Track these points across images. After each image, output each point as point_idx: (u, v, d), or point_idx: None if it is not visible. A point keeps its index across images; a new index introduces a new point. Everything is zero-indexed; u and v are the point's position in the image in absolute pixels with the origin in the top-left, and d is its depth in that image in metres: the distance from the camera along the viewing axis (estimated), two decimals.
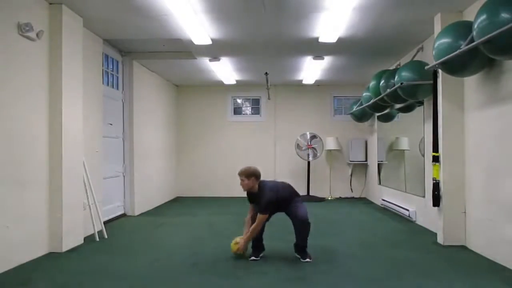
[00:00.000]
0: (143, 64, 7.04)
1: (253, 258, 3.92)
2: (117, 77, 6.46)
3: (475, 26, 3.31)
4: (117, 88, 6.45)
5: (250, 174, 3.96)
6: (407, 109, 6.24)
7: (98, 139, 5.40)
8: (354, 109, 8.12)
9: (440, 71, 4.43)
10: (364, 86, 7.62)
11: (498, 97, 3.79)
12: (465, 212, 4.42)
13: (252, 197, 4.08)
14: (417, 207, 5.89)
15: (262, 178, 4.06)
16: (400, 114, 6.85)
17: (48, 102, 4.20)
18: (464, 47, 3.53)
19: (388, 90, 5.55)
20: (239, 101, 9.70)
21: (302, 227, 3.88)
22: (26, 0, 3.89)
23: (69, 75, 4.37)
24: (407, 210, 6.08)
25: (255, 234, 3.92)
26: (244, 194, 4.16)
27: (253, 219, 3.98)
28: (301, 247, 3.94)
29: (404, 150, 6.95)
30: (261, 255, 3.99)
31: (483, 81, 4.03)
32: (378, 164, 8.05)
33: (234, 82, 8.73)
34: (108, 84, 6.11)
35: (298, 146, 8.79)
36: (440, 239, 4.57)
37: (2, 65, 3.57)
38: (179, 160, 9.38)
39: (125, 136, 6.58)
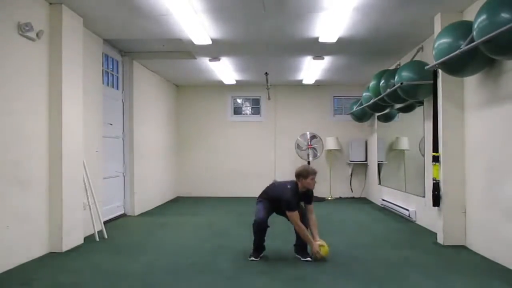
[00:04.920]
0: (143, 64, 7.04)
1: (253, 258, 3.92)
2: (117, 77, 6.46)
3: (475, 26, 3.31)
4: (117, 88, 6.45)
5: None
6: (407, 109, 6.24)
7: (98, 139, 5.40)
8: (354, 109, 8.12)
9: (440, 71, 4.43)
10: (364, 86, 7.63)
11: (498, 97, 3.79)
12: (465, 212, 4.42)
13: (301, 196, 4.01)
14: (417, 207, 5.89)
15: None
16: (400, 114, 6.85)
17: (48, 102, 4.20)
18: (464, 47, 3.52)
19: (388, 90, 5.55)
20: (239, 101, 9.70)
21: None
22: (26, 0, 3.90)
23: (69, 75, 4.37)
24: (407, 210, 6.08)
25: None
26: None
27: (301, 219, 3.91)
28: (301, 247, 3.95)
29: (404, 150, 6.95)
30: (261, 255, 3.99)
31: (483, 81, 4.03)
32: (378, 164, 8.05)
33: (234, 82, 8.73)
34: (108, 84, 6.11)
35: (298, 146, 8.79)
36: (440, 239, 4.57)
37: (2, 65, 3.57)
38: (179, 160, 9.37)
39: (125, 136, 6.58)
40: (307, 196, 4.03)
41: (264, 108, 9.39)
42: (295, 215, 3.84)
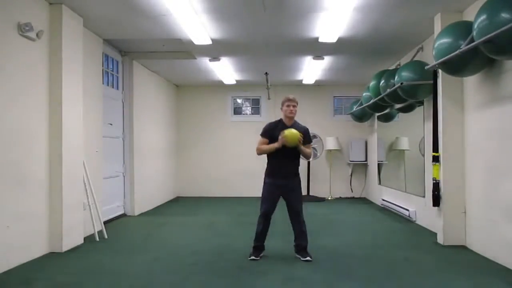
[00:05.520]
0: (143, 64, 7.04)
1: (253, 258, 3.92)
2: (117, 77, 6.46)
3: (475, 26, 3.31)
4: (117, 88, 6.45)
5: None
6: (407, 109, 6.24)
7: (98, 139, 5.40)
8: (354, 109, 8.12)
9: (440, 71, 4.43)
10: (364, 86, 7.62)
11: (498, 97, 3.79)
12: (465, 212, 4.42)
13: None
14: (417, 207, 5.89)
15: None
16: (400, 114, 6.85)
17: (48, 102, 4.20)
18: (464, 47, 3.53)
19: (388, 90, 5.55)
20: (239, 101, 9.70)
21: (298, 220, 3.96)
22: (26, 0, 3.90)
23: (69, 75, 4.37)
24: (407, 210, 6.08)
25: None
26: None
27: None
28: (301, 247, 3.95)
29: (404, 150, 6.95)
30: (261, 254, 3.99)
31: (483, 81, 4.03)
32: (378, 164, 8.05)
33: (234, 82, 8.73)
34: (108, 84, 6.11)
35: None
36: (440, 239, 4.57)
37: (2, 65, 3.57)
38: (179, 160, 9.37)
39: (125, 136, 6.57)
40: (304, 136, 3.94)
41: (264, 108, 9.39)
42: (260, 140, 4.00)
